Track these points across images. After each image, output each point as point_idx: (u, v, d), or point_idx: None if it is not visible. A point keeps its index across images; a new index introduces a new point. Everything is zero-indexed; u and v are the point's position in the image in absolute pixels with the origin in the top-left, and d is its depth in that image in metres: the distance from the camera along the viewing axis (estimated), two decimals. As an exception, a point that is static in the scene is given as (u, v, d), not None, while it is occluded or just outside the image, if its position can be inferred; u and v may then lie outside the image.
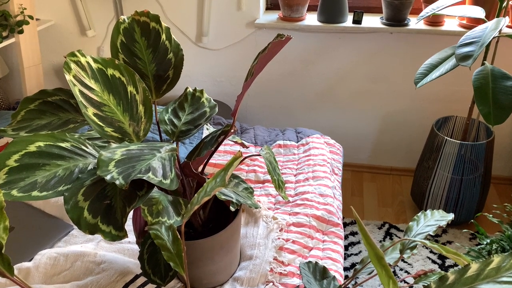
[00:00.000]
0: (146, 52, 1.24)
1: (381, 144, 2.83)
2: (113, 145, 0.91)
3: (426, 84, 1.99)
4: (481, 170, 2.26)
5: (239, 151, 0.82)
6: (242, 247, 1.49)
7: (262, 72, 2.75)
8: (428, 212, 0.94)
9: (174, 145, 0.99)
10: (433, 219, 0.90)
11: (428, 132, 2.71)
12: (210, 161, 1.92)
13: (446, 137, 2.23)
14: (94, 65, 1.06)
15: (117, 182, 0.82)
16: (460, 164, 2.23)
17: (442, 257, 2.23)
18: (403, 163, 2.86)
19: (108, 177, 0.83)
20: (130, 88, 1.09)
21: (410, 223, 0.93)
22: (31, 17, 2.38)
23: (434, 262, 2.21)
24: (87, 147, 1.00)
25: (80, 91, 1.01)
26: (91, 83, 1.05)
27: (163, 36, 1.24)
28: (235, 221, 1.24)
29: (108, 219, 0.89)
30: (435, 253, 2.25)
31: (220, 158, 2.01)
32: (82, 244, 1.52)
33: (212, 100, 1.34)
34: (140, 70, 1.24)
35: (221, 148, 2.08)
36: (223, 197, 1.05)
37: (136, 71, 1.24)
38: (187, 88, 1.33)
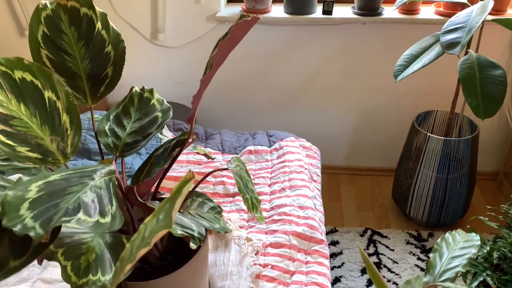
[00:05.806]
0: (77, 46, 0.97)
1: (358, 143, 2.64)
2: (24, 178, 0.64)
3: (403, 78, 1.81)
4: (466, 167, 2.10)
5: (190, 170, 0.58)
6: (211, 278, 1.25)
7: (226, 70, 2.51)
8: (448, 236, 0.72)
9: (112, 167, 0.73)
10: (457, 246, 0.69)
11: (406, 128, 2.55)
12: (170, 173, 1.65)
13: (429, 134, 2.05)
14: (-3, 65, 0.79)
15: (32, 234, 0.54)
16: (445, 162, 2.06)
17: (431, 264, 2.06)
18: (381, 162, 2.69)
19: (17, 228, 0.55)
20: (47, 94, 0.82)
21: (431, 255, 0.71)
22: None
23: (423, 270, 2.03)
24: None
25: (-22, 99, 0.74)
26: (-5, 88, 0.78)
27: (98, 25, 0.98)
28: (200, 252, 0.99)
29: None
30: (423, 260, 2.07)
31: (182, 169, 1.75)
32: (14, 287, 1.24)
33: (165, 102, 1.08)
34: (70, 69, 0.97)
35: (182, 157, 1.82)
36: (179, 232, 0.80)
37: (65, 71, 0.97)
38: (132, 87, 1.07)
